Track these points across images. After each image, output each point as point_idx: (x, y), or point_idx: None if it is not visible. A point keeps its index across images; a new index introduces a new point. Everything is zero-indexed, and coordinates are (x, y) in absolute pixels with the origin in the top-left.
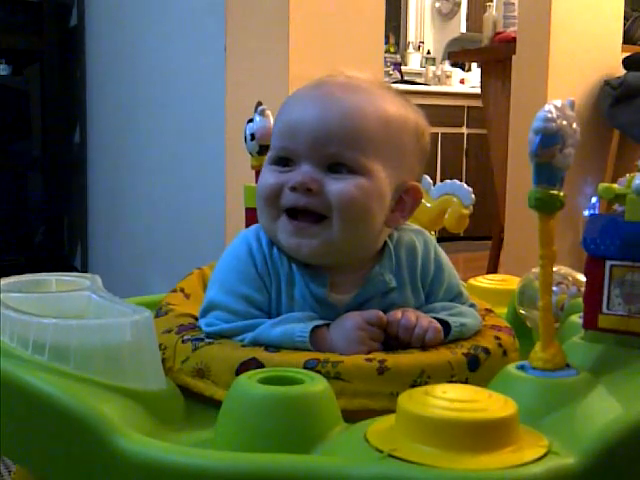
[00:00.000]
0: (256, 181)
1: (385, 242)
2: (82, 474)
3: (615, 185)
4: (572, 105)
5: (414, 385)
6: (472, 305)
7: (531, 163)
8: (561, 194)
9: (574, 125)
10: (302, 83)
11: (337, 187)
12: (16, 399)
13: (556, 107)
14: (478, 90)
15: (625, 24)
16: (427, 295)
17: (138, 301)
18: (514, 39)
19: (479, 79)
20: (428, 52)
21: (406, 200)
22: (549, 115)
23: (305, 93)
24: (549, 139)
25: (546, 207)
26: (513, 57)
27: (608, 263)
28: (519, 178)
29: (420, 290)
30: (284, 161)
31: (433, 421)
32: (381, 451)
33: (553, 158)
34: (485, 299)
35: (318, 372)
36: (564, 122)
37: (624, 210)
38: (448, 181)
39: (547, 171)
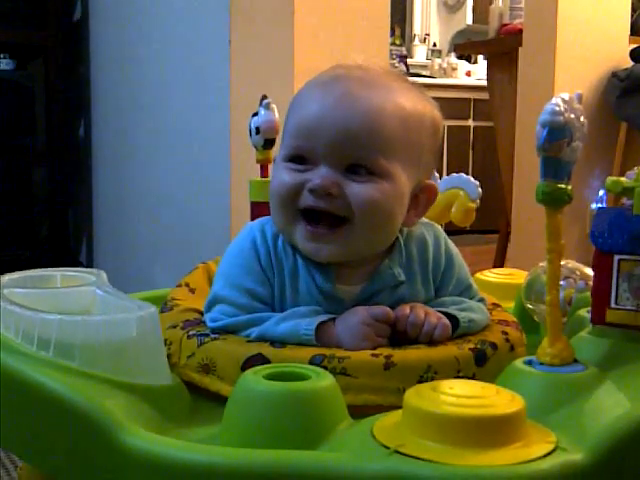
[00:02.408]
0: (261, 175)
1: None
2: (87, 470)
3: (623, 178)
4: (580, 98)
5: (421, 380)
6: (481, 299)
7: (538, 156)
8: (568, 188)
9: (582, 118)
10: (307, 76)
11: (359, 190)
12: (21, 395)
13: (564, 100)
14: (484, 82)
15: (632, 16)
16: (437, 288)
17: (143, 296)
18: (520, 31)
19: (485, 71)
20: (434, 44)
21: (421, 198)
22: (557, 108)
23: (321, 89)
24: (556, 133)
25: (553, 201)
26: (520, 49)
27: (616, 257)
28: (526, 171)
29: (431, 283)
30: (300, 159)
31: (440, 417)
32: (388, 447)
33: (560, 152)
34: (492, 293)
35: (324, 368)
36: (572, 115)
37: (632, 204)
38: (455, 174)
39: (554, 165)
